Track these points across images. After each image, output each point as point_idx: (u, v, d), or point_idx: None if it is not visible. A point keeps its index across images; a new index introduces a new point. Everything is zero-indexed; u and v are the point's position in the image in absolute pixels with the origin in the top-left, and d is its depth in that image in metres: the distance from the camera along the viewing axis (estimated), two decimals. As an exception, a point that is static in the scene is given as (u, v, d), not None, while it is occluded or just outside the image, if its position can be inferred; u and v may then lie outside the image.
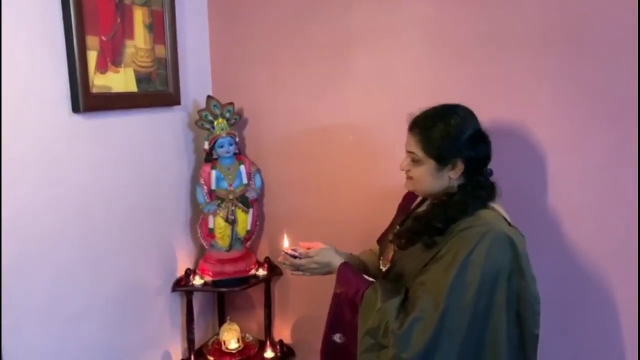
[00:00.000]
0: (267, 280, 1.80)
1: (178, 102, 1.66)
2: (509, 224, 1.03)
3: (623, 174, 1.22)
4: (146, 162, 1.59)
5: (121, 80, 1.44)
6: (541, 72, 1.28)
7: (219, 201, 1.68)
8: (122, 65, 1.44)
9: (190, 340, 1.75)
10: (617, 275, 1.27)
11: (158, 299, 1.70)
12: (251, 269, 1.77)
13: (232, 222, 1.69)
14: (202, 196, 1.68)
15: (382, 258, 1.23)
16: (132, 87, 1.48)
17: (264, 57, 1.74)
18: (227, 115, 1.69)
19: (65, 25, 1.26)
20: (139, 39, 1.49)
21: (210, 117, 1.67)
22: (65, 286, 1.35)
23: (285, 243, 1.25)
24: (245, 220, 1.73)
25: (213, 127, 1.67)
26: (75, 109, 1.30)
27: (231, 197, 1.68)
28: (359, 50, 1.55)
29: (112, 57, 1.40)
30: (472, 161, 1.04)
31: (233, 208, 1.69)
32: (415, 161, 1.06)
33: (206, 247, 1.75)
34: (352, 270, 1.16)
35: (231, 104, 1.71)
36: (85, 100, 1.31)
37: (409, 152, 1.08)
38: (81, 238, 1.38)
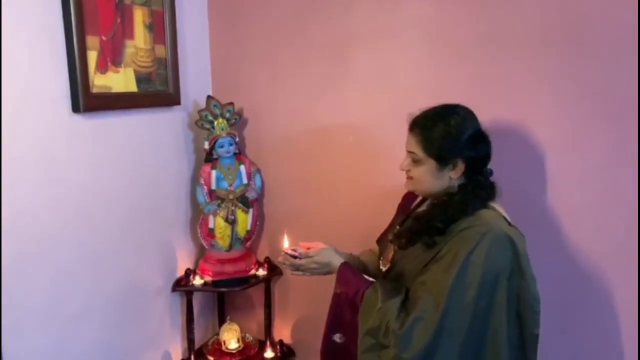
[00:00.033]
0: (267, 280, 1.80)
1: (178, 102, 1.66)
2: (509, 223, 1.03)
3: (623, 174, 1.22)
4: (146, 162, 1.59)
5: (121, 80, 1.44)
6: (541, 72, 1.28)
7: (219, 201, 1.68)
8: (122, 65, 1.44)
9: (190, 340, 1.75)
10: (617, 275, 1.27)
11: (158, 299, 1.70)
12: (251, 269, 1.77)
13: (232, 222, 1.69)
14: (202, 196, 1.68)
15: (382, 258, 1.23)
16: (132, 87, 1.48)
17: (264, 57, 1.74)
18: (227, 115, 1.70)
19: (65, 25, 1.26)
20: (139, 39, 1.49)
21: (210, 117, 1.67)
22: (65, 286, 1.35)
23: (285, 243, 1.25)
24: (245, 220, 1.73)
25: (213, 127, 1.67)
26: (75, 108, 1.30)
27: (231, 197, 1.68)
28: (359, 50, 1.55)
29: (112, 57, 1.40)
30: (473, 161, 1.04)
31: (233, 208, 1.69)
32: (416, 161, 1.06)
33: (206, 247, 1.75)
34: (352, 270, 1.16)
35: (231, 104, 1.71)
36: (85, 100, 1.31)
37: (409, 152, 1.08)
38: (81, 238, 1.38)
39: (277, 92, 1.73)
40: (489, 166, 1.10)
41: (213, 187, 1.68)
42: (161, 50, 1.57)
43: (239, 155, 1.74)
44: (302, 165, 1.74)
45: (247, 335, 1.89)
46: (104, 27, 1.36)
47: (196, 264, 1.82)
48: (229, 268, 1.73)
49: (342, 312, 1.12)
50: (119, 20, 1.41)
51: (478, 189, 1.04)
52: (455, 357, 0.95)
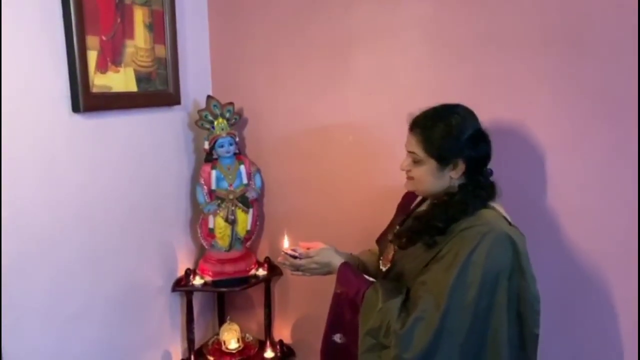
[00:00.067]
0: (267, 280, 1.80)
1: (178, 102, 1.66)
2: (510, 223, 1.03)
3: (623, 174, 1.23)
4: (146, 162, 1.59)
5: (121, 80, 1.44)
6: (541, 72, 1.28)
7: (219, 201, 1.68)
8: (122, 65, 1.44)
9: (190, 340, 1.75)
10: (617, 275, 1.27)
11: (158, 299, 1.70)
12: (251, 269, 1.77)
13: (232, 222, 1.69)
14: (202, 196, 1.68)
15: (381, 258, 1.22)
16: (132, 86, 1.48)
17: (264, 57, 1.74)
18: (227, 115, 1.69)
19: (65, 24, 1.26)
20: (139, 39, 1.49)
21: (210, 117, 1.67)
22: (65, 286, 1.35)
23: (285, 243, 1.25)
24: (245, 220, 1.73)
25: (213, 127, 1.67)
26: (75, 108, 1.30)
27: (231, 197, 1.68)
28: (359, 50, 1.55)
29: (112, 57, 1.40)
30: (473, 161, 1.04)
31: (233, 208, 1.69)
32: (416, 161, 1.06)
33: (206, 247, 1.75)
34: (352, 270, 1.16)
35: (231, 103, 1.71)
36: (85, 99, 1.31)
37: (409, 152, 1.08)
38: (81, 238, 1.38)
39: (277, 92, 1.73)
40: (489, 166, 1.10)
41: (213, 187, 1.68)
42: (161, 50, 1.57)
43: (239, 155, 1.74)
44: (302, 165, 1.74)
45: (247, 335, 1.89)
46: (104, 27, 1.36)
47: (196, 264, 1.82)
48: (229, 268, 1.73)
49: (343, 312, 1.12)
50: (119, 20, 1.41)
51: (478, 188, 1.04)
52: (456, 357, 0.95)
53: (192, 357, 1.76)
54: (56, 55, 1.26)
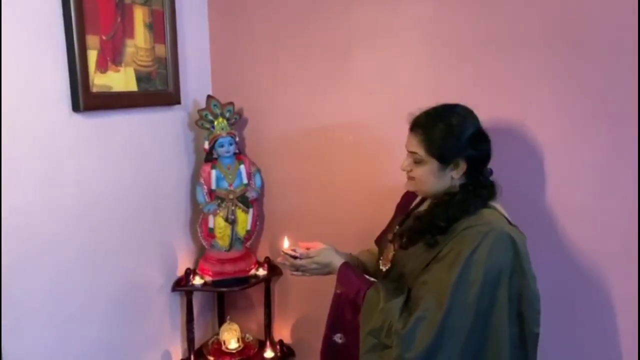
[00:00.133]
0: (267, 280, 1.80)
1: (178, 102, 1.66)
2: (510, 223, 1.03)
3: (623, 174, 1.23)
4: (146, 162, 1.59)
5: (121, 80, 1.44)
6: (541, 72, 1.28)
7: (219, 201, 1.68)
8: (123, 64, 1.43)
9: (190, 340, 1.75)
10: (617, 275, 1.27)
11: (158, 298, 1.70)
12: (251, 269, 1.77)
13: (232, 222, 1.69)
14: (202, 196, 1.68)
15: (381, 258, 1.22)
16: (132, 86, 1.48)
17: (264, 56, 1.74)
18: (227, 114, 1.69)
19: (65, 24, 1.25)
20: (139, 39, 1.49)
21: (210, 117, 1.67)
22: (65, 286, 1.34)
23: (285, 243, 1.25)
24: (245, 220, 1.73)
25: (213, 127, 1.67)
26: (76, 108, 1.30)
27: (231, 196, 1.68)
28: (359, 50, 1.55)
29: (112, 57, 1.40)
30: (474, 160, 1.04)
31: (233, 208, 1.69)
32: (417, 161, 1.06)
33: (206, 247, 1.75)
34: (353, 270, 1.16)
35: (231, 103, 1.71)
36: (86, 99, 1.30)
37: (410, 152, 1.08)
38: (81, 238, 1.38)
39: (277, 92, 1.73)
40: (489, 166, 1.10)
41: (213, 186, 1.68)
42: (161, 50, 1.57)
43: (239, 155, 1.74)
44: (302, 165, 1.74)
45: (247, 335, 1.88)
46: (104, 27, 1.36)
47: (196, 263, 1.82)
48: (229, 268, 1.73)
49: (343, 313, 1.12)
50: (119, 19, 1.41)
51: (479, 188, 1.05)
52: (458, 356, 0.95)
53: (192, 357, 1.76)
54: (56, 55, 1.26)
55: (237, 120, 1.74)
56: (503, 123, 1.33)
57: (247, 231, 1.75)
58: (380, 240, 1.31)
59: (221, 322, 1.91)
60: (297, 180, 1.76)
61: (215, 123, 1.67)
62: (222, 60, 1.83)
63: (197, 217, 1.77)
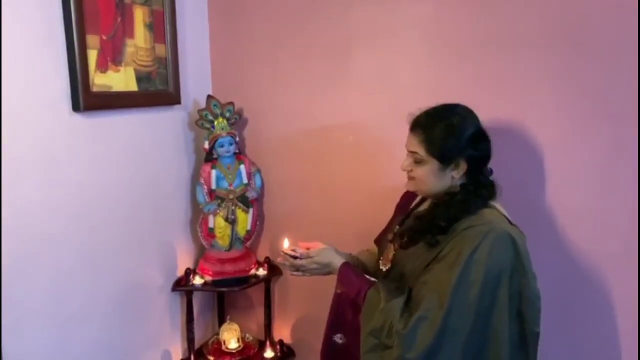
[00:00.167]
0: (267, 280, 1.80)
1: (178, 102, 1.66)
2: (510, 222, 1.03)
3: (623, 174, 1.23)
4: (146, 162, 1.59)
5: (121, 79, 1.44)
6: (541, 72, 1.28)
7: (219, 201, 1.68)
8: (123, 64, 1.43)
9: (190, 339, 1.75)
10: (617, 275, 1.27)
11: (158, 298, 1.70)
12: (251, 269, 1.77)
13: (232, 222, 1.69)
14: (202, 196, 1.68)
15: (381, 258, 1.22)
16: (133, 86, 1.48)
17: (264, 56, 1.74)
18: (227, 114, 1.69)
19: (65, 24, 1.25)
20: (140, 38, 1.49)
21: (210, 117, 1.67)
22: (65, 286, 1.34)
23: (285, 244, 1.25)
24: (245, 220, 1.73)
25: (213, 127, 1.67)
26: (76, 107, 1.30)
27: (231, 196, 1.68)
28: (359, 50, 1.55)
29: (112, 56, 1.40)
30: (474, 160, 1.04)
31: (233, 208, 1.69)
32: (418, 161, 1.06)
33: (206, 246, 1.75)
34: (353, 270, 1.16)
35: (231, 103, 1.71)
36: (86, 99, 1.30)
37: (410, 152, 1.08)
38: (81, 238, 1.38)
39: (277, 92, 1.73)
40: (489, 165, 1.10)
41: (213, 186, 1.68)
42: (161, 50, 1.57)
43: (239, 154, 1.74)
44: (302, 165, 1.74)
45: (247, 335, 1.88)
46: (104, 26, 1.36)
47: (196, 263, 1.82)
48: (229, 268, 1.73)
49: (344, 313, 1.12)
50: (119, 19, 1.41)
51: (480, 188, 1.05)
52: (458, 356, 0.95)
53: (192, 357, 1.76)
54: (56, 55, 1.25)
55: (237, 120, 1.74)
56: (503, 123, 1.33)
57: (247, 231, 1.75)
58: (379, 240, 1.31)
59: (221, 322, 1.91)
60: (297, 180, 1.76)
61: (215, 123, 1.67)
62: (222, 60, 1.83)
63: (197, 217, 1.77)
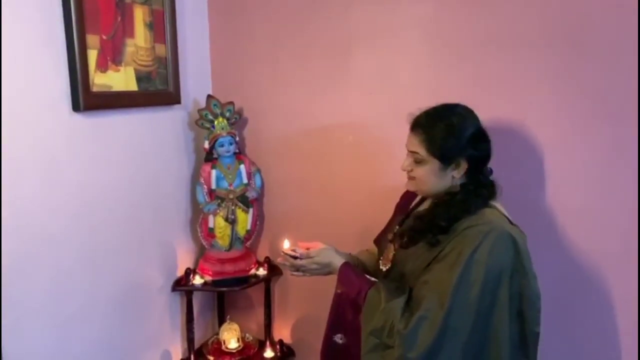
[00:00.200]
0: (267, 280, 1.80)
1: (178, 101, 1.66)
2: (510, 222, 1.03)
3: (623, 174, 1.23)
4: (146, 162, 1.59)
5: (121, 79, 1.43)
6: (541, 72, 1.28)
7: (219, 201, 1.68)
8: (123, 64, 1.43)
9: (190, 339, 1.75)
10: (617, 275, 1.27)
11: (158, 298, 1.70)
12: (251, 269, 1.77)
13: (232, 222, 1.69)
14: (202, 196, 1.68)
15: (381, 258, 1.22)
16: (133, 86, 1.48)
17: (264, 56, 1.73)
18: (227, 114, 1.69)
19: (65, 23, 1.25)
20: (140, 38, 1.49)
21: (210, 117, 1.67)
22: (65, 286, 1.34)
23: (285, 244, 1.24)
24: (245, 219, 1.73)
25: (213, 127, 1.67)
26: (76, 107, 1.30)
27: (231, 196, 1.68)
28: (359, 50, 1.55)
29: (112, 56, 1.40)
30: (475, 160, 1.04)
31: (233, 208, 1.69)
32: (418, 161, 1.06)
33: (206, 246, 1.75)
34: (354, 270, 1.16)
35: (231, 103, 1.71)
36: (86, 99, 1.30)
37: (411, 152, 1.07)
38: (81, 238, 1.38)
39: (277, 92, 1.73)
40: (489, 165, 1.10)
41: (213, 186, 1.68)
42: (161, 49, 1.57)
43: (239, 154, 1.74)
44: (302, 165, 1.74)
45: (247, 334, 1.88)
46: (105, 26, 1.36)
47: (196, 263, 1.82)
48: (229, 268, 1.73)
49: (344, 313, 1.12)
50: (119, 19, 1.41)
51: (480, 187, 1.05)
52: (459, 356, 0.95)
53: (192, 357, 1.76)
54: (56, 54, 1.25)
55: (237, 120, 1.74)
56: (503, 123, 1.33)
57: (247, 231, 1.75)
58: (379, 240, 1.31)
59: (221, 321, 1.91)
60: (297, 180, 1.76)
61: (215, 123, 1.67)
62: (222, 60, 1.83)
63: (197, 217, 1.77)
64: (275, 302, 1.91)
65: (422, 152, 1.04)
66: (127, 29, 1.44)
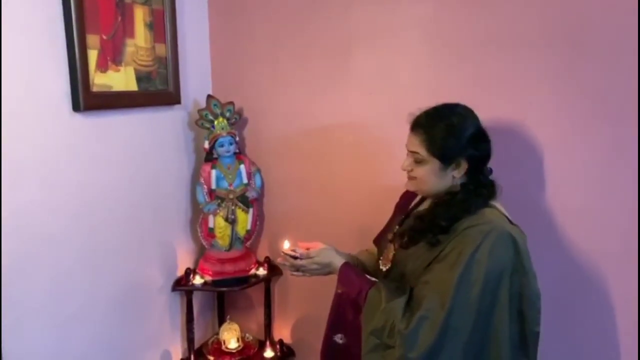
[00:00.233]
0: (267, 280, 1.80)
1: (178, 101, 1.66)
2: (510, 222, 1.03)
3: (623, 174, 1.23)
4: (146, 162, 1.59)
5: (121, 79, 1.44)
6: (541, 72, 1.28)
7: (219, 201, 1.68)
8: (123, 64, 1.43)
9: (190, 339, 1.75)
10: (617, 274, 1.27)
11: (158, 298, 1.70)
12: (251, 269, 1.77)
13: (232, 222, 1.69)
14: (202, 196, 1.68)
15: (381, 258, 1.22)
16: (133, 86, 1.48)
17: (264, 56, 1.74)
18: (228, 114, 1.69)
19: (65, 23, 1.25)
20: (140, 38, 1.49)
21: (210, 117, 1.67)
22: (65, 286, 1.34)
23: (286, 245, 1.24)
24: (245, 219, 1.73)
25: (213, 127, 1.67)
26: (76, 107, 1.30)
27: (231, 196, 1.68)
28: (359, 50, 1.55)
29: (112, 56, 1.40)
30: (475, 160, 1.04)
31: (233, 207, 1.69)
32: (419, 161, 1.06)
33: (206, 246, 1.75)
34: (354, 270, 1.16)
35: (231, 103, 1.71)
36: (86, 99, 1.30)
37: (411, 152, 1.07)
38: (81, 238, 1.38)
39: (277, 92, 1.73)
40: (489, 165, 1.10)
41: (213, 186, 1.68)
42: (161, 49, 1.57)
43: (239, 154, 1.74)
44: (302, 165, 1.74)
45: (247, 334, 1.88)
46: (105, 26, 1.36)
47: (196, 263, 1.82)
48: (229, 267, 1.73)
49: (344, 313, 1.12)
50: (119, 19, 1.41)
51: (480, 187, 1.05)
52: (459, 356, 0.95)
53: (192, 357, 1.76)
54: (56, 54, 1.25)
55: (237, 120, 1.74)
56: (503, 123, 1.33)
57: (247, 231, 1.75)
58: (379, 240, 1.31)
59: (221, 321, 1.91)
60: (297, 180, 1.76)
61: (216, 123, 1.67)
62: (222, 60, 1.83)
63: (197, 217, 1.77)
64: (275, 302, 1.91)
65: (422, 152, 1.04)
66: (127, 29, 1.44)
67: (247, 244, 1.79)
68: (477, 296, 0.94)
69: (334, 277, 1.17)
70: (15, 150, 1.18)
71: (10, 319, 1.20)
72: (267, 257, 1.83)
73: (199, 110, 1.67)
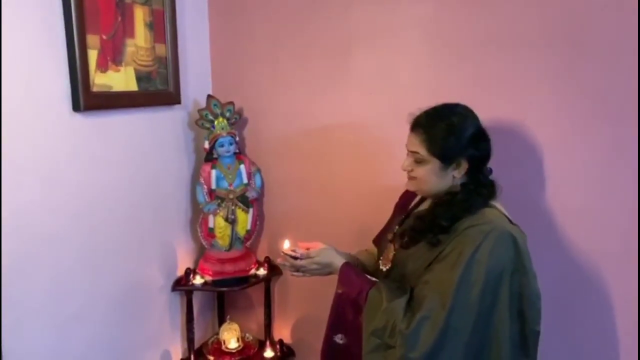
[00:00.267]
0: (267, 280, 1.80)
1: (178, 101, 1.66)
2: (511, 221, 1.03)
3: (623, 174, 1.23)
4: (146, 162, 1.59)
5: (122, 79, 1.44)
6: (541, 72, 1.29)
7: (219, 201, 1.68)
8: (123, 64, 1.43)
9: (190, 339, 1.75)
10: (617, 274, 1.27)
11: (158, 298, 1.70)
12: (251, 269, 1.77)
13: (232, 222, 1.69)
14: (202, 196, 1.68)
15: (381, 258, 1.22)
16: (133, 86, 1.48)
17: (264, 56, 1.74)
18: (228, 114, 1.69)
19: (66, 23, 1.25)
20: (140, 38, 1.49)
21: (210, 117, 1.67)
22: (65, 286, 1.34)
23: (286, 245, 1.24)
24: (245, 219, 1.73)
25: (213, 127, 1.67)
26: (76, 107, 1.30)
27: (231, 196, 1.68)
28: (359, 50, 1.55)
29: (112, 56, 1.40)
30: (475, 160, 1.04)
31: (233, 207, 1.69)
32: (419, 161, 1.06)
33: (206, 246, 1.75)
34: (354, 270, 1.16)
35: (231, 103, 1.71)
36: (86, 99, 1.30)
37: (411, 152, 1.07)
38: (81, 238, 1.38)
39: (277, 92, 1.73)
40: (489, 165, 1.10)
41: (213, 186, 1.68)
42: (161, 49, 1.57)
43: (239, 154, 1.74)
44: (302, 165, 1.74)
45: (247, 334, 1.88)
46: (105, 26, 1.36)
47: (196, 263, 1.82)
48: (229, 267, 1.73)
49: (344, 313, 1.12)
50: (119, 19, 1.41)
51: (480, 187, 1.05)
52: (460, 355, 0.95)
53: (192, 357, 1.76)
54: (56, 54, 1.25)
55: (237, 120, 1.74)
56: (503, 123, 1.33)
57: (247, 231, 1.75)
58: (379, 240, 1.31)
59: (221, 321, 1.91)
60: (297, 180, 1.76)
61: (216, 123, 1.67)
62: (222, 60, 1.83)
63: (197, 217, 1.77)
64: (275, 302, 1.91)
65: (422, 152, 1.04)
66: (128, 29, 1.44)
67: (247, 244, 1.79)
68: (478, 296, 0.94)
69: (334, 277, 1.17)
70: (15, 150, 1.18)
71: (10, 319, 1.20)
72: (267, 257, 1.83)
73: (199, 110, 1.67)
